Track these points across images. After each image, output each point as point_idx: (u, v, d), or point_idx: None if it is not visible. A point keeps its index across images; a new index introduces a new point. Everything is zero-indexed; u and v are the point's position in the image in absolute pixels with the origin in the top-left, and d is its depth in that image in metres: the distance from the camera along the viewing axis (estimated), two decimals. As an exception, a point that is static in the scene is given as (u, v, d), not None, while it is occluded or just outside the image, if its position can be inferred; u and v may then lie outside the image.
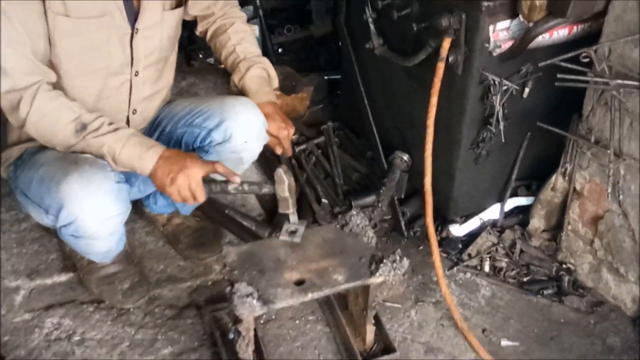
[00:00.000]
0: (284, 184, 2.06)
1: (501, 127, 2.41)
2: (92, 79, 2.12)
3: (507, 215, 2.77)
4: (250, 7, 3.77)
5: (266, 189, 2.09)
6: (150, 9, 2.13)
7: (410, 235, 2.75)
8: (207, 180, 2.01)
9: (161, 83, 2.35)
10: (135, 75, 2.20)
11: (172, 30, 2.26)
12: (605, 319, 2.44)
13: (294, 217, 2.14)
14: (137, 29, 2.11)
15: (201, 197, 2.00)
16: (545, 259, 2.62)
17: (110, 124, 1.99)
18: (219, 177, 2.06)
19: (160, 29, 2.19)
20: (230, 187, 2.03)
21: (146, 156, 1.98)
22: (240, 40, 2.37)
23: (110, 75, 2.15)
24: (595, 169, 2.38)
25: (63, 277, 2.51)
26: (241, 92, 2.36)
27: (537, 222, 2.67)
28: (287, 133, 2.28)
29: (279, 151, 2.32)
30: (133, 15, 2.10)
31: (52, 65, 2.04)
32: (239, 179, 2.03)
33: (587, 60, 2.15)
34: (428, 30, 2.33)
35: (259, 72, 2.33)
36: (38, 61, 1.96)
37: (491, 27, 2.19)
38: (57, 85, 2.04)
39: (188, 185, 1.97)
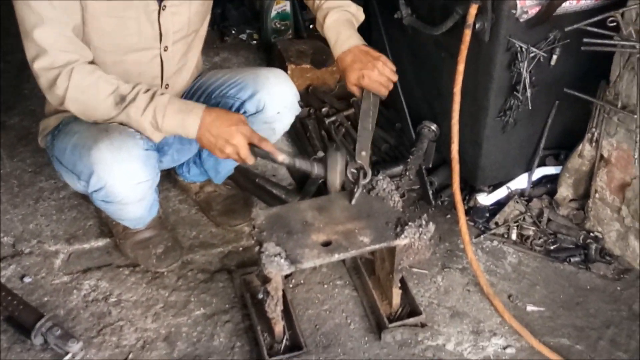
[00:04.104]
0: (337, 170, 2.08)
1: (528, 94, 2.42)
2: (123, 55, 2.17)
3: (535, 184, 2.77)
4: (282, -17, 3.81)
5: (317, 171, 2.10)
6: None
7: (438, 205, 2.79)
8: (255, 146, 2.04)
9: (190, 55, 2.39)
10: (165, 50, 2.24)
11: (201, 7, 2.28)
12: (631, 285, 2.44)
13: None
14: (164, 6, 2.14)
15: (250, 162, 2.05)
16: (573, 228, 2.63)
17: (147, 91, 2.02)
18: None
19: (188, 5, 2.21)
20: (279, 158, 2.04)
21: (188, 123, 2.01)
22: None
23: (140, 50, 2.19)
24: (622, 135, 2.37)
25: (100, 242, 2.60)
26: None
27: (564, 191, 2.67)
28: (369, 78, 2.18)
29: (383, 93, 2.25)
30: None
31: (83, 42, 2.08)
32: (282, 157, 2.05)
33: (614, 24, 2.15)
34: (455, -3, 2.34)
35: (336, 17, 2.24)
36: (76, 38, 2.01)
37: (518, -7, 2.20)
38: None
39: (236, 153, 2.02)
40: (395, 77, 2.25)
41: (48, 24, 1.94)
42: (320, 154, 2.95)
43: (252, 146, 2.04)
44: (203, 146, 2.06)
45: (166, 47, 2.24)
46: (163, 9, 2.14)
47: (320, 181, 2.15)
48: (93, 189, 2.12)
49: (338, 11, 2.24)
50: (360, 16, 2.32)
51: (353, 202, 2.15)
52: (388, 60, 2.23)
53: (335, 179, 2.10)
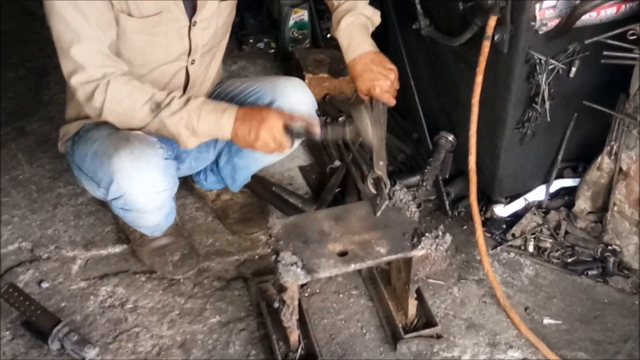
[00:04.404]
0: (366, 122, 2.05)
1: (547, 106, 2.41)
2: (151, 69, 2.18)
3: (553, 196, 2.76)
4: (300, -7, 3.83)
5: (350, 130, 2.09)
6: (209, 2, 2.16)
7: (455, 215, 2.78)
8: (290, 129, 2.03)
9: (212, 64, 2.41)
10: (192, 64, 2.26)
11: (227, 17, 2.30)
12: (650, 300, 2.43)
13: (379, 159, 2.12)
14: (194, 22, 2.15)
15: (288, 144, 2.04)
16: (591, 240, 2.61)
17: (181, 96, 2.03)
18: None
19: (217, 18, 2.23)
20: (317, 136, 2.04)
21: (222, 120, 2.01)
22: None
23: (168, 64, 2.21)
24: (642, 149, 2.37)
25: (117, 249, 2.61)
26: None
27: (582, 204, 2.66)
28: (380, 89, 2.18)
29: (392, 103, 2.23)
30: (191, 7, 2.14)
31: None
32: (319, 130, 2.05)
33: (634, 37, 2.14)
34: (474, 8, 2.33)
35: (350, 20, 2.21)
36: (112, 54, 2.01)
37: (537, 5, 2.19)
38: None
39: (272, 137, 2.01)
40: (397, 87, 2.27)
41: (85, 41, 1.94)
42: (337, 163, 2.96)
43: (289, 132, 2.02)
44: (238, 141, 2.04)
45: (193, 60, 2.26)
46: (194, 25, 2.16)
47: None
48: (112, 196, 2.14)
49: (353, 14, 2.22)
50: (376, 20, 2.30)
51: (378, 214, 2.14)
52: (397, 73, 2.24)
53: (368, 131, 2.07)
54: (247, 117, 2.02)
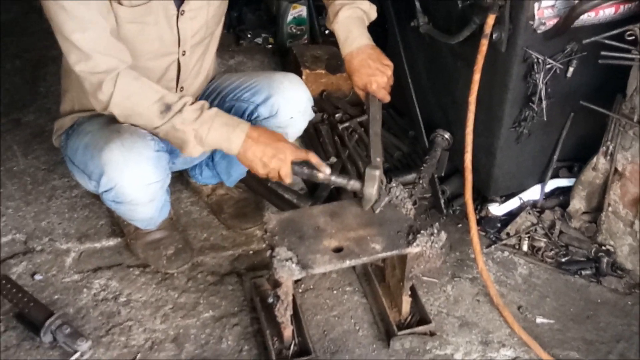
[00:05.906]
0: (374, 186, 2.08)
1: (543, 106, 2.41)
2: (144, 61, 2.16)
3: (548, 196, 2.76)
4: (299, -12, 3.82)
5: (353, 184, 2.10)
6: None
7: (450, 213, 2.78)
8: (296, 164, 2.04)
9: (206, 57, 2.39)
10: (183, 55, 2.24)
11: (218, 9, 2.28)
12: (643, 300, 2.43)
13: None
14: (182, 11, 2.13)
15: (288, 181, 2.05)
16: (585, 240, 2.62)
17: (193, 103, 2.00)
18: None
19: (206, 9, 2.21)
20: (320, 176, 2.05)
21: (233, 137, 1.99)
22: None
23: (159, 56, 2.19)
24: (637, 150, 2.36)
25: (111, 242, 2.61)
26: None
27: (577, 204, 2.66)
28: (377, 85, 2.21)
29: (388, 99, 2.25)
30: None
31: None
32: (328, 170, 2.05)
33: (632, 38, 2.14)
34: (473, 7, 2.33)
35: (348, 14, 2.22)
36: (115, 40, 1.98)
37: (536, 4, 2.19)
38: None
39: (279, 170, 2.01)
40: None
41: (88, 27, 1.91)
42: (333, 159, 2.96)
43: (294, 166, 2.03)
44: (244, 161, 2.03)
45: (184, 51, 2.24)
46: (182, 14, 2.14)
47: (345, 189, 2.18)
48: (103, 189, 2.13)
49: (350, 7, 2.23)
50: (373, 14, 2.30)
51: (377, 211, 2.14)
52: (393, 69, 2.26)
53: (372, 194, 2.10)
54: (260, 141, 2.00)
